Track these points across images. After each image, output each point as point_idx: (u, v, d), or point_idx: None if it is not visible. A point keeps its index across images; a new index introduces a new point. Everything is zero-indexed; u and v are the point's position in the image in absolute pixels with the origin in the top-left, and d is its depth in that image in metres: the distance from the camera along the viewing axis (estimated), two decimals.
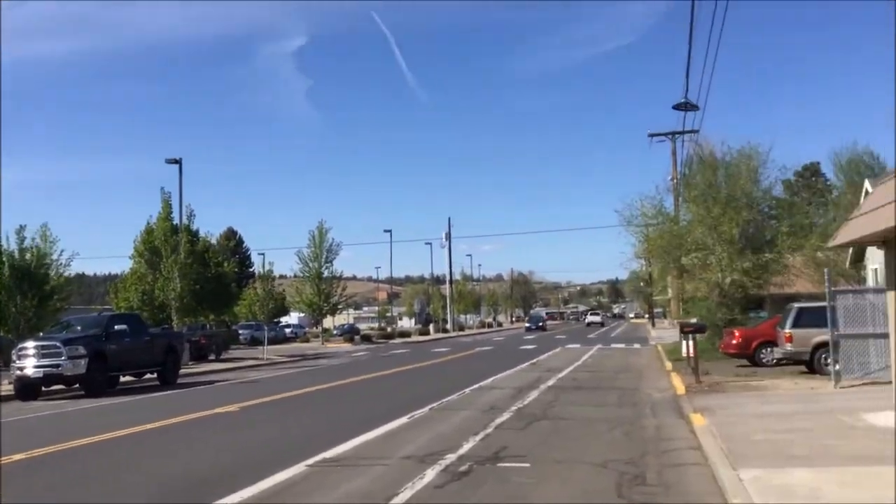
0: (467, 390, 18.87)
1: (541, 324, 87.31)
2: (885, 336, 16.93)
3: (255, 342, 59.92)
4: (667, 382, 20.07)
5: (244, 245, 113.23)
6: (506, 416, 14.10)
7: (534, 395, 17.62)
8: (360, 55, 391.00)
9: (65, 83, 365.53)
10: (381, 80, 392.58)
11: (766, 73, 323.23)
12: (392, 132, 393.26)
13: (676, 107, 18.86)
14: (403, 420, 13.81)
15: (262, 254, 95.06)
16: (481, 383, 20.71)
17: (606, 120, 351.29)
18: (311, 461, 10.05)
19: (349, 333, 67.49)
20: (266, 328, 43.35)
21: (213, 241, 42.91)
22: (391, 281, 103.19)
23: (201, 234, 42.65)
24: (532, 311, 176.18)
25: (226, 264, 46.95)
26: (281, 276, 65.17)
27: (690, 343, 20.20)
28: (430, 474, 9.05)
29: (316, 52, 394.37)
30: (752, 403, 14.63)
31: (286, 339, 69.33)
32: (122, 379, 25.48)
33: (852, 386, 16.80)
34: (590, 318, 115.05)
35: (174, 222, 37.48)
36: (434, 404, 16.00)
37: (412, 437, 11.95)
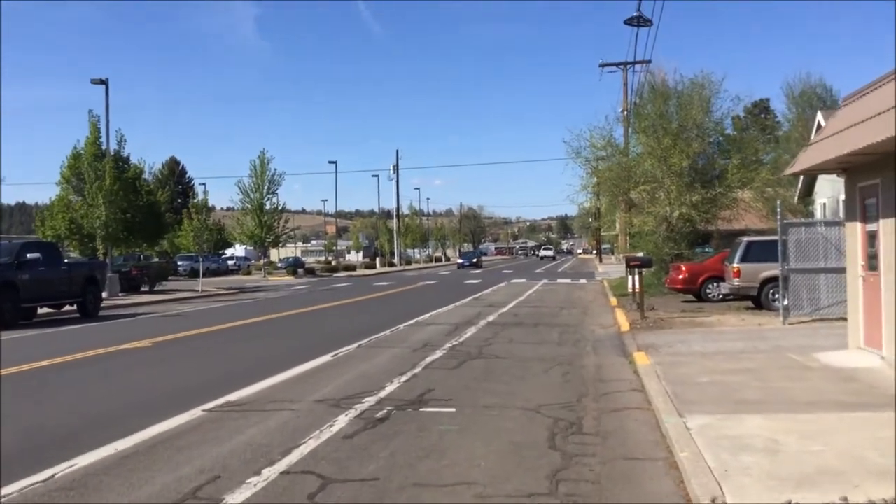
0: (402, 326, 17.84)
1: (475, 260, 77.56)
2: (837, 271, 16.27)
3: (194, 274, 58.15)
4: (611, 318, 19.29)
5: (187, 175, 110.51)
6: (438, 354, 13.09)
7: (471, 331, 16.65)
8: None
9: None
10: (333, 8, 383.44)
11: (720, 6, 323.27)
12: (343, 63, 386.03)
13: (628, 21, 17.61)
14: (326, 358, 12.71)
15: (203, 183, 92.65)
16: (418, 318, 19.70)
17: (560, 53, 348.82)
18: (210, 405, 8.91)
19: (293, 266, 65.99)
20: (202, 260, 41.63)
21: (146, 168, 40.55)
22: (341, 215, 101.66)
23: (134, 161, 40.53)
24: (480, 247, 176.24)
25: (159, 193, 44.89)
26: (229, 209, 63.08)
27: (636, 278, 19.41)
28: (342, 421, 7.99)
29: None
30: (699, 341, 13.87)
31: (228, 272, 67.70)
32: (41, 311, 23.98)
33: (801, 322, 16.18)
34: (543, 253, 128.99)
35: (103, 147, 35.36)
36: (363, 341, 14.92)
37: (331, 377, 10.87)
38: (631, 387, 9.88)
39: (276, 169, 56.80)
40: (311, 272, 63.74)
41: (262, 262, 65.46)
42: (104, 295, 32.14)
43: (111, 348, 14.71)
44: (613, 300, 24.84)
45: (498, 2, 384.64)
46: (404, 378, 10.63)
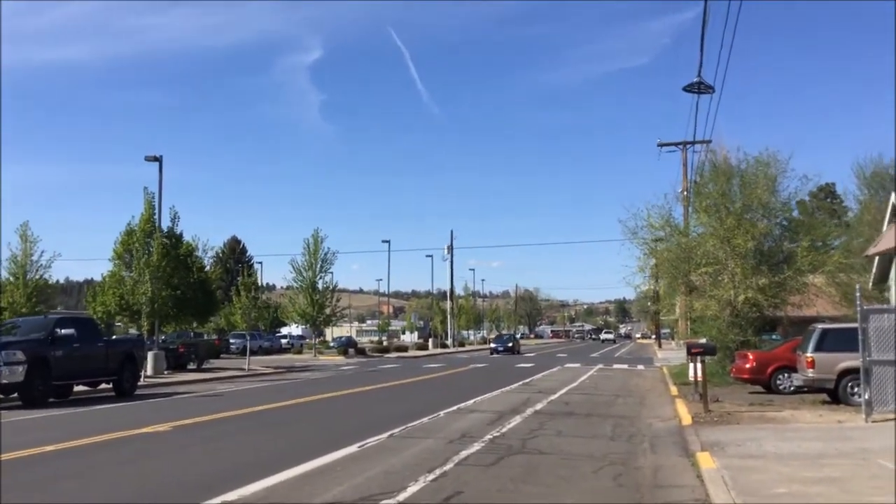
0: (442, 413, 16.55)
1: (510, 344, 65.96)
2: None
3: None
4: (671, 410, 17.72)
5: (248, 254, 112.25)
6: (475, 447, 11.79)
7: (516, 421, 15.29)
8: (374, 69, 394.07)
9: (76, 89, 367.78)
10: (395, 94, 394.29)
11: (781, 90, 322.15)
12: (403, 146, 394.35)
13: (688, 88, 16.52)
14: (352, 449, 11.50)
15: (260, 262, 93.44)
16: (461, 405, 18.39)
17: (618, 134, 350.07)
18: None
19: (344, 346, 65.19)
20: (249, 338, 41.07)
21: (199, 245, 40.46)
22: (398, 295, 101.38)
23: (188, 238, 40.60)
24: (536, 329, 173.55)
25: (211, 270, 44.80)
26: (288, 287, 62.92)
27: (698, 366, 17.89)
28: None
29: (331, 65, 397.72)
30: (771, 440, 12.32)
31: (281, 350, 67.24)
32: (77, 388, 23.30)
33: (886, 420, 14.43)
34: (604, 336, 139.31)
35: (157, 223, 35.37)
36: (396, 430, 13.69)
37: (352, 472, 9.66)
38: (693, 496, 8.46)
39: (329, 248, 56.88)
40: (361, 352, 62.77)
41: (313, 340, 64.99)
42: (149, 372, 31.76)
43: (126, 432, 13.73)
44: (673, 389, 23.18)
45: (554, 89, 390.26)
46: (431, 476, 9.36)
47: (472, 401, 19.53)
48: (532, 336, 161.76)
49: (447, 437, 12.83)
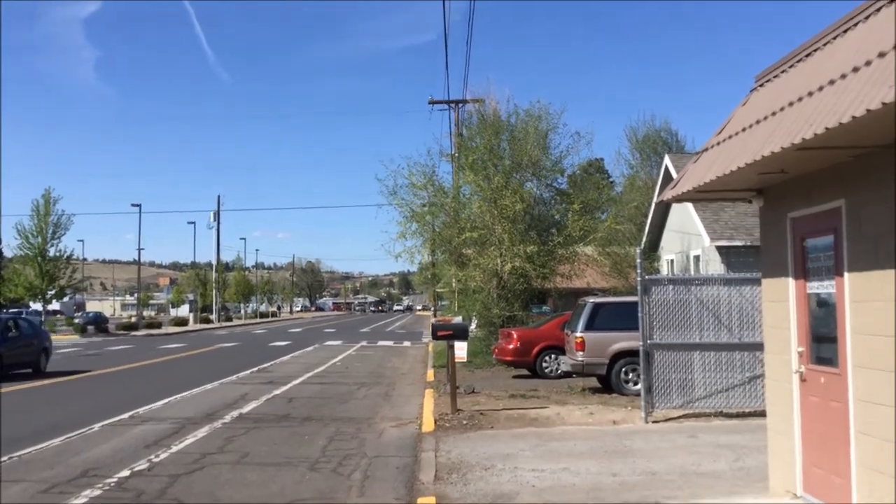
0: (98, 426, 11.81)
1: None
2: (719, 348, 11.88)
3: None
4: (417, 406, 14.11)
5: None
6: (78, 502, 7.34)
7: (196, 436, 10.91)
8: (157, 27, 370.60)
9: None
10: (179, 55, 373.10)
11: (552, 60, 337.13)
12: (187, 110, 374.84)
13: None
14: None
15: None
16: (142, 409, 13.70)
17: (399, 106, 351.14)
18: None
19: (86, 323, 57.30)
20: None
21: None
22: (176, 266, 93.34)
23: None
24: (318, 301, 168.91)
25: None
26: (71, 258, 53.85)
27: (450, 353, 14.32)
28: None
29: (109, 20, 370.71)
30: (530, 458, 8.94)
31: None
32: None
33: (669, 420, 11.61)
34: (397, 307, 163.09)
35: None
36: None
37: None
38: None
39: (63, 210, 49.11)
40: (104, 331, 55.31)
41: (59, 317, 56.82)
42: None
43: None
44: (430, 374, 19.77)
45: (342, 60, 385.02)
46: None
47: (165, 400, 14.87)
48: (313, 308, 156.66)
49: (50, 481, 8.22)
